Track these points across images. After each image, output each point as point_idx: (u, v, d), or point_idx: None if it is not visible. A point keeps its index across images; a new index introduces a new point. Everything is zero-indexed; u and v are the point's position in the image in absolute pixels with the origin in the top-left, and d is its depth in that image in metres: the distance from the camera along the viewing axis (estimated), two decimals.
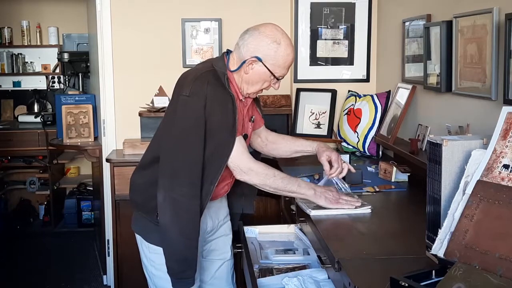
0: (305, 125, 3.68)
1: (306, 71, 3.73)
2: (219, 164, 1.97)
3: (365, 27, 3.68)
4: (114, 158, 3.51)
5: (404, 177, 2.68)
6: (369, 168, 2.95)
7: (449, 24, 2.47)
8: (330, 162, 2.26)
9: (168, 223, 1.92)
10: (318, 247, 2.02)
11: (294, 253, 2.20)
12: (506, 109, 1.46)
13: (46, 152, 5.11)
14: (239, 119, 2.06)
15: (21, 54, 5.88)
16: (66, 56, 5.35)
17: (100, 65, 3.74)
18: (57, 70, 5.88)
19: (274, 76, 2.01)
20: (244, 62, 1.99)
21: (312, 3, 3.66)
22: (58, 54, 5.52)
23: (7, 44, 5.80)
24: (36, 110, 5.81)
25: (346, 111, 3.49)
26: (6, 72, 5.83)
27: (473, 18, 2.26)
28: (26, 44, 5.84)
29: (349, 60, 3.72)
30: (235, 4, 3.75)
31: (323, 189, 2.16)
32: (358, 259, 1.68)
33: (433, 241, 1.48)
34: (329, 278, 1.91)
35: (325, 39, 3.70)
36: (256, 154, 2.31)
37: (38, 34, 5.88)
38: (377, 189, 2.52)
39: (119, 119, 3.76)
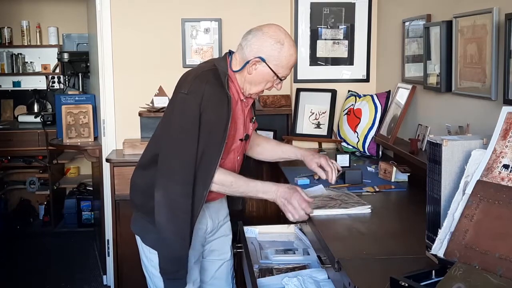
0: (305, 125, 3.68)
1: (306, 71, 3.73)
2: (210, 166, 1.95)
3: (365, 27, 3.68)
4: (114, 158, 3.50)
5: (404, 177, 2.68)
6: (369, 168, 2.95)
7: (449, 24, 2.47)
8: (322, 167, 2.24)
9: (164, 222, 1.93)
10: (318, 247, 2.02)
11: (294, 253, 2.21)
12: (506, 109, 1.46)
13: (46, 152, 5.11)
14: (240, 120, 2.06)
15: (21, 54, 5.88)
16: (66, 56, 5.35)
17: (100, 65, 3.74)
18: (57, 70, 5.88)
19: (277, 76, 2.01)
20: (247, 62, 1.99)
21: (312, 3, 3.66)
22: (58, 54, 5.52)
23: (7, 44, 5.80)
24: (36, 110, 5.81)
25: (346, 111, 3.49)
26: (6, 72, 5.83)
27: (473, 18, 2.26)
28: (26, 44, 5.84)
29: (349, 60, 3.72)
30: (235, 4, 3.75)
31: (282, 193, 2.06)
32: (358, 259, 1.68)
33: (433, 241, 1.48)
34: (329, 278, 1.91)
35: (325, 39, 3.70)
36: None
37: (38, 34, 5.88)
38: (377, 189, 2.52)
39: (119, 119, 3.76)
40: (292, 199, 2.03)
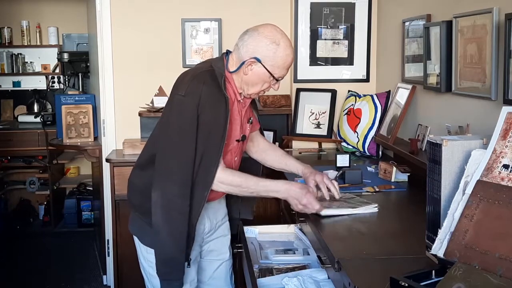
0: (305, 125, 3.68)
1: (306, 71, 3.73)
2: (210, 167, 1.96)
3: (365, 27, 3.68)
4: (114, 158, 3.51)
5: (404, 177, 2.68)
6: (369, 168, 2.95)
7: (449, 24, 2.47)
8: (317, 187, 2.23)
9: (160, 223, 1.93)
10: (318, 247, 2.02)
11: (294, 253, 2.20)
12: (506, 109, 1.46)
13: (46, 152, 5.11)
14: (236, 120, 2.06)
15: (21, 54, 5.88)
16: (66, 56, 5.35)
17: (100, 65, 3.74)
18: (57, 70, 5.87)
19: (273, 77, 2.00)
20: (243, 63, 1.99)
21: (312, 3, 3.66)
22: (58, 54, 5.52)
23: (7, 44, 5.80)
24: (36, 110, 5.81)
25: (346, 111, 3.49)
26: (6, 72, 5.83)
27: (473, 18, 2.26)
28: (26, 44, 5.84)
29: (349, 60, 3.72)
30: (235, 4, 3.75)
31: (294, 193, 2.08)
32: (358, 259, 1.68)
33: (433, 241, 1.48)
34: (329, 278, 1.91)
35: (325, 39, 3.70)
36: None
37: (38, 34, 5.87)
38: (377, 189, 2.52)
39: (119, 119, 3.76)
40: (303, 200, 2.05)
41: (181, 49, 3.73)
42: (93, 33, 4.03)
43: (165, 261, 1.96)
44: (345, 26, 3.69)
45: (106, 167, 3.68)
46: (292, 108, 3.73)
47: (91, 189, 5.27)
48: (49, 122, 5.23)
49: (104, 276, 4.00)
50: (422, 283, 1.39)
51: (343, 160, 2.86)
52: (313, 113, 3.68)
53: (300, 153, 3.53)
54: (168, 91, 3.67)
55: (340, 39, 3.70)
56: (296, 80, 3.74)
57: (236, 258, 2.41)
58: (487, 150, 1.45)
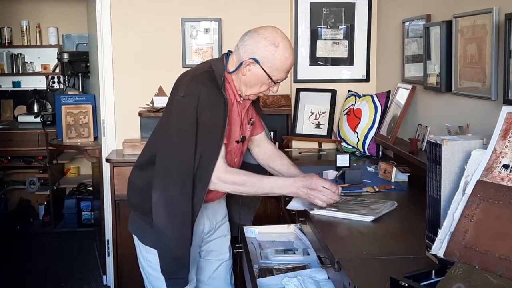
0: (305, 125, 3.68)
1: (306, 71, 3.73)
2: (208, 167, 1.95)
3: (365, 27, 3.68)
4: (114, 158, 3.51)
5: (404, 177, 2.68)
6: (369, 168, 2.95)
7: (449, 24, 2.47)
8: None
9: (162, 223, 1.93)
10: (318, 247, 2.02)
11: (294, 253, 2.20)
12: (506, 109, 1.46)
13: (46, 152, 5.11)
14: (236, 121, 2.06)
15: (21, 54, 5.88)
16: (66, 56, 5.35)
17: (100, 65, 3.74)
18: (57, 70, 5.87)
19: (271, 79, 1.99)
20: (241, 63, 1.98)
21: (312, 3, 3.66)
22: (58, 54, 5.52)
23: (7, 44, 5.79)
24: (36, 110, 5.81)
25: (346, 111, 3.49)
26: (6, 72, 5.83)
27: (473, 18, 2.26)
28: (26, 44, 5.83)
29: (349, 60, 3.72)
30: (235, 4, 3.75)
31: (301, 183, 2.06)
32: (358, 259, 1.68)
33: (433, 241, 1.48)
34: (329, 278, 1.91)
35: (325, 39, 3.70)
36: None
37: (38, 34, 5.87)
38: (377, 189, 2.52)
39: (119, 119, 3.76)
40: (313, 185, 2.03)
41: (181, 49, 3.73)
42: (93, 33, 4.03)
43: (171, 260, 1.96)
44: (345, 26, 3.69)
45: (106, 167, 3.68)
46: (292, 108, 3.73)
47: (91, 189, 5.27)
48: (49, 122, 5.23)
49: (104, 276, 4.00)
50: (422, 283, 1.39)
51: (343, 160, 2.86)
52: (313, 113, 3.68)
53: (300, 153, 3.53)
54: (168, 91, 3.67)
55: (340, 39, 3.70)
56: (296, 80, 3.74)
57: (236, 258, 2.41)
58: (487, 150, 1.45)
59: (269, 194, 2.12)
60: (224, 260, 2.32)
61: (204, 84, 1.95)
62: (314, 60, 3.72)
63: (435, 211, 1.56)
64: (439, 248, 1.43)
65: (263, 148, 2.34)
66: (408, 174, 2.67)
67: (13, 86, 5.97)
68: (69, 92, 5.12)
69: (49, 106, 5.91)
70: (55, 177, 5.52)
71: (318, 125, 3.65)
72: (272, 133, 3.66)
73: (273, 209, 3.37)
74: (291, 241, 2.37)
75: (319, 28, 3.69)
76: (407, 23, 3.09)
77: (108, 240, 3.76)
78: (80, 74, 5.55)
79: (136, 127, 3.74)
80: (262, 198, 2.32)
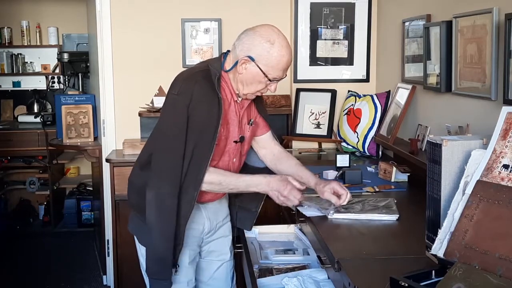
0: (305, 125, 3.68)
1: (306, 71, 3.73)
2: (200, 166, 1.94)
3: (365, 27, 3.68)
4: (114, 158, 3.51)
5: (404, 177, 2.68)
6: (369, 168, 2.95)
7: (449, 24, 2.47)
8: (335, 193, 2.15)
9: (153, 222, 1.94)
10: (318, 247, 2.02)
11: (294, 253, 2.21)
12: (506, 109, 1.46)
13: (46, 152, 5.11)
14: (234, 121, 2.05)
15: (21, 54, 5.88)
16: (66, 56, 5.35)
17: (100, 65, 3.74)
18: (57, 70, 5.87)
19: (267, 77, 1.96)
20: (237, 61, 1.98)
21: (312, 3, 3.66)
22: (58, 54, 5.52)
23: (7, 44, 5.79)
24: (36, 110, 5.81)
25: (346, 111, 3.50)
26: (6, 72, 5.82)
27: (473, 18, 2.26)
28: (26, 44, 5.83)
29: (348, 60, 3.72)
30: (235, 4, 3.75)
31: (275, 185, 2.06)
32: (358, 259, 1.68)
33: (433, 241, 1.48)
34: (329, 278, 1.91)
35: (325, 39, 3.70)
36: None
37: (38, 34, 5.87)
38: (377, 189, 2.52)
39: (119, 119, 3.76)
40: (284, 191, 2.03)
41: (181, 49, 3.73)
42: (93, 33, 4.03)
43: (155, 260, 1.97)
44: (345, 26, 3.69)
45: (106, 167, 3.68)
46: (292, 108, 3.73)
47: (91, 189, 5.26)
48: (49, 122, 5.23)
49: (104, 276, 4.00)
50: (422, 283, 1.40)
51: (343, 160, 2.86)
52: (313, 113, 3.68)
53: (300, 153, 3.53)
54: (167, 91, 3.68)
55: (340, 39, 3.70)
56: (296, 80, 3.74)
57: (236, 258, 2.41)
58: (487, 150, 1.45)
59: (245, 192, 2.11)
60: (225, 261, 2.31)
61: (198, 82, 1.95)
62: (314, 60, 3.72)
63: (435, 211, 1.56)
64: (439, 248, 1.43)
65: (269, 149, 2.30)
66: (408, 174, 2.67)
67: (13, 86, 5.96)
68: (69, 92, 5.12)
69: (49, 106, 5.91)
70: (55, 177, 5.52)
71: (318, 125, 3.65)
72: None
73: (273, 209, 3.37)
74: (291, 241, 2.37)
75: (319, 28, 3.69)
76: (407, 23, 3.09)
77: (108, 240, 3.76)
78: (80, 74, 5.55)
79: (136, 127, 3.74)
80: (262, 201, 2.29)
